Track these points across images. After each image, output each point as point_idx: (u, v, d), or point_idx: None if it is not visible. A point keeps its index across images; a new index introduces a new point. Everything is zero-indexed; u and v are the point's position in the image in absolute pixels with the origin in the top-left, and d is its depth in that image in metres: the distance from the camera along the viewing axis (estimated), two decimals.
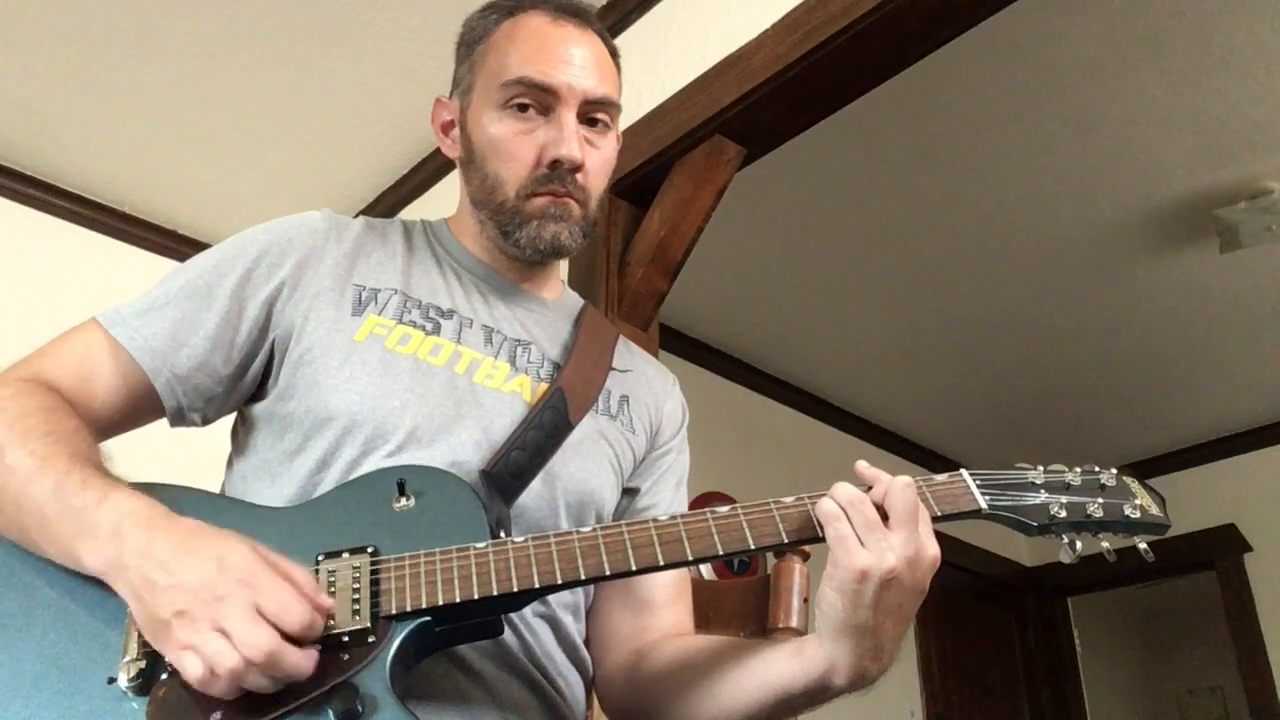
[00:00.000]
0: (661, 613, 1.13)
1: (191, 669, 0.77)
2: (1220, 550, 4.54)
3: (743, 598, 1.31)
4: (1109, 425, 4.68)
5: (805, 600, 1.30)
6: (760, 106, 2.07)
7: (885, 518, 0.87)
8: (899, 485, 0.88)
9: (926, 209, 3.26)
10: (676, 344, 3.77)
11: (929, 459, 4.91)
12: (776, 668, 0.95)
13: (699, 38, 2.23)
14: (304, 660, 0.79)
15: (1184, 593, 5.34)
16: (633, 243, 2.24)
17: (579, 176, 1.09)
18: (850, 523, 0.87)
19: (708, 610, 1.29)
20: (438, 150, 2.95)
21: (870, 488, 0.90)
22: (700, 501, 2.09)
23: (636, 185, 2.24)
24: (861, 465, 0.92)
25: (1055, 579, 5.13)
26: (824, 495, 0.90)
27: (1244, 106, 2.80)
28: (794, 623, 1.28)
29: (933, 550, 0.88)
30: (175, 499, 0.91)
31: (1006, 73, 2.70)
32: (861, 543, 0.86)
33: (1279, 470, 4.57)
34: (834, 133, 2.38)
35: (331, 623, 0.83)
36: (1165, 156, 3.00)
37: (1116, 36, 2.58)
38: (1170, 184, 3.12)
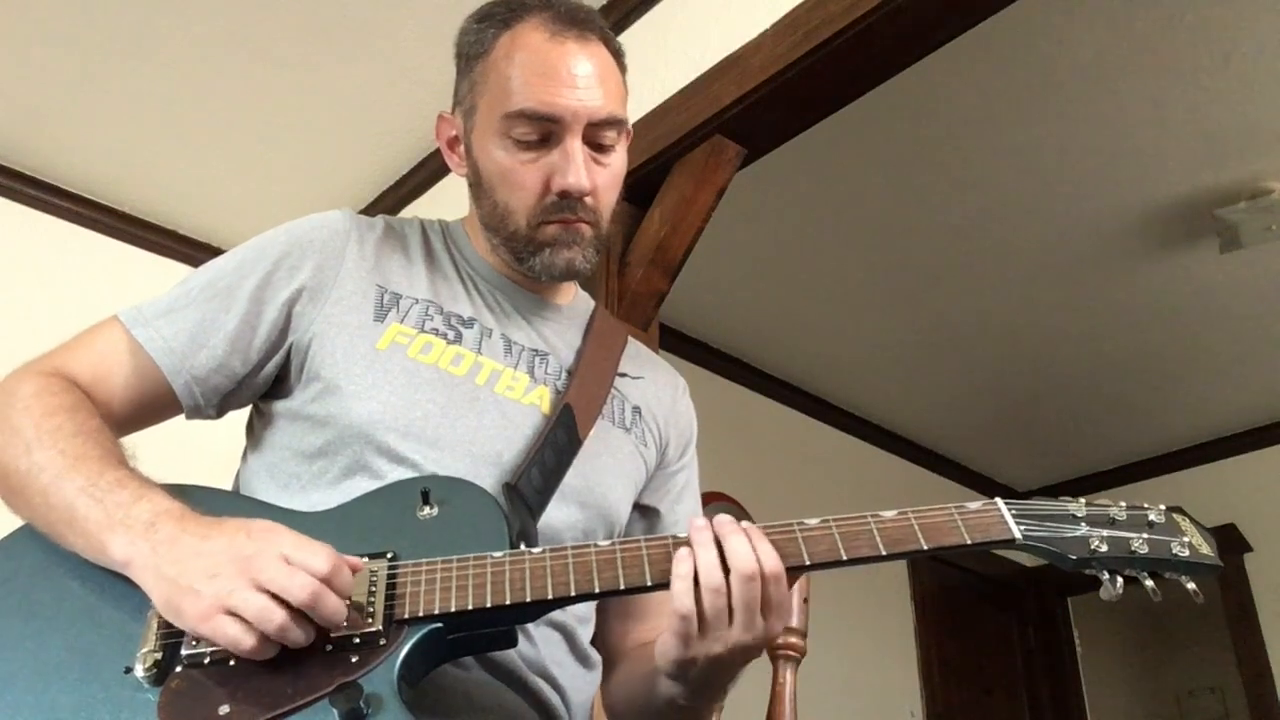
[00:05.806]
0: (650, 620, 1.15)
1: (230, 632, 0.80)
2: (1220, 550, 4.52)
3: None
4: (1109, 425, 4.67)
5: (805, 600, 1.30)
6: (760, 106, 2.07)
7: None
8: (743, 577, 0.86)
9: (926, 209, 3.26)
10: (676, 344, 3.77)
11: (929, 459, 4.91)
12: (661, 690, 0.98)
13: (699, 38, 2.23)
14: (340, 606, 0.82)
15: (1184, 593, 5.31)
16: (633, 243, 2.24)
17: (588, 200, 1.08)
18: (700, 607, 0.87)
19: None
20: (438, 150, 2.97)
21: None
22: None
23: (636, 185, 2.24)
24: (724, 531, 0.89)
25: (1055, 579, 5.12)
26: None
27: (1244, 106, 2.80)
28: (794, 622, 1.28)
29: (770, 632, 0.88)
30: (202, 498, 0.93)
31: (1006, 73, 2.70)
32: (702, 629, 0.87)
33: (1279, 470, 4.57)
34: (834, 133, 2.38)
35: (343, 624, 0.84)
36: (1165, 156, 3.00)
37: (1116, 37, 2.58)
38: (1170, 184, 3.12)
